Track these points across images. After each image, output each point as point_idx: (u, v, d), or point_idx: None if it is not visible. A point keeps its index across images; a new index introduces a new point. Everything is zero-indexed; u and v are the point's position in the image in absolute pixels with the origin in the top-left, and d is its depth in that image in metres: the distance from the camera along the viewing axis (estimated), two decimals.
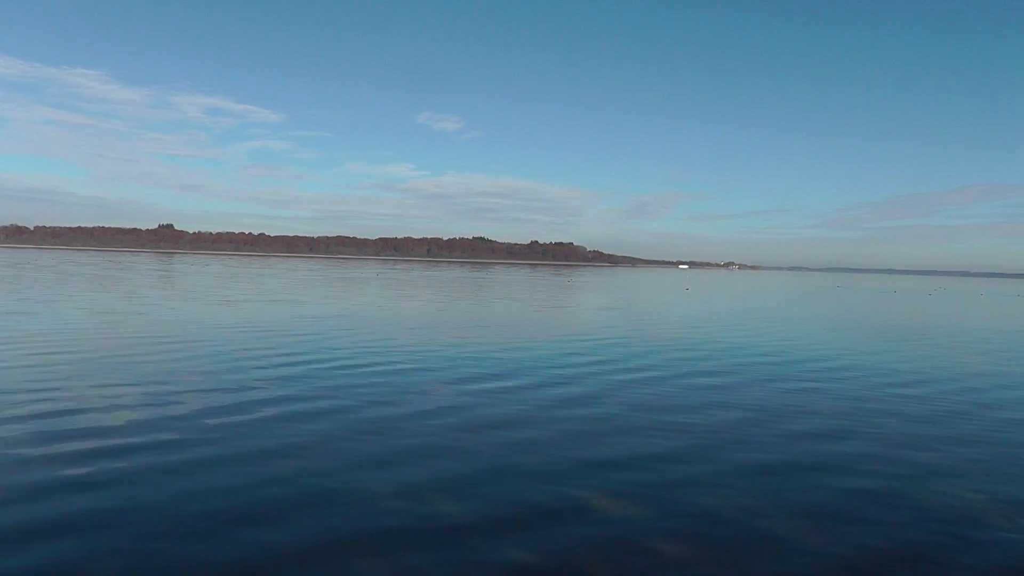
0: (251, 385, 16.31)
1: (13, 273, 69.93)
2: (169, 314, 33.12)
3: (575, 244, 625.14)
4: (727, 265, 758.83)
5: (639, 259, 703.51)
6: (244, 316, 33.30)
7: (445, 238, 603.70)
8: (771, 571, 7.55)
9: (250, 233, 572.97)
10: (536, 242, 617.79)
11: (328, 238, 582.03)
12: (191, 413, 13.42)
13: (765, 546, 8.17)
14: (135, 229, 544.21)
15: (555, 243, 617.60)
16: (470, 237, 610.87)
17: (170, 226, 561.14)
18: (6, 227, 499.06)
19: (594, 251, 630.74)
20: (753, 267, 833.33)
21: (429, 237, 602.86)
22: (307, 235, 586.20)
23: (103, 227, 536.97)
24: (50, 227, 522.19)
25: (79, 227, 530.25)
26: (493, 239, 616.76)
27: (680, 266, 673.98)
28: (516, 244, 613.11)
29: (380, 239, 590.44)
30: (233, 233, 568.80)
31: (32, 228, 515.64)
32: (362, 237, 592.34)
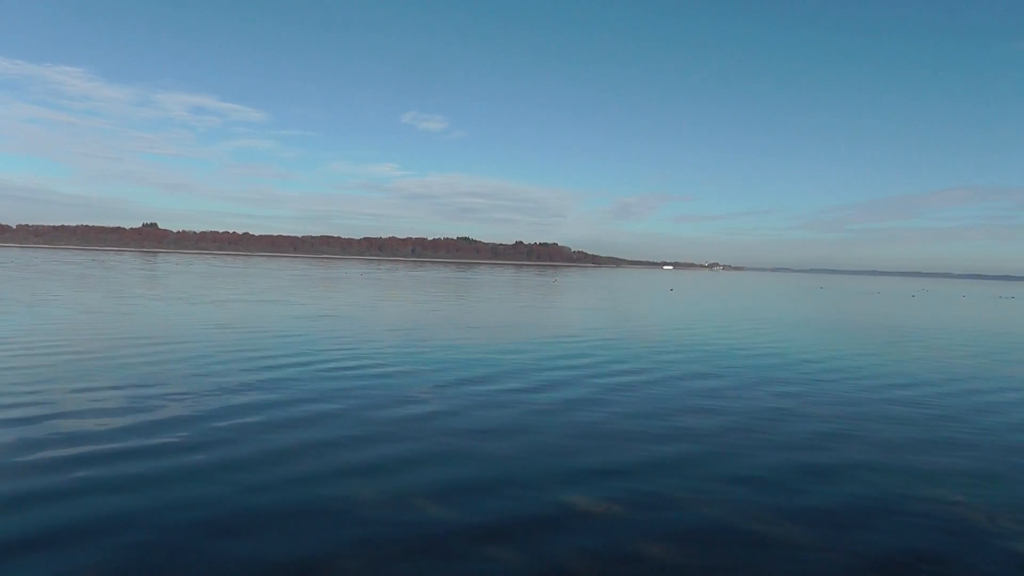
0: (236, 388, 16.11)
1: None
2: (153, 314, 32.81)
3: (560, 245, 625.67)
4: (711, 266, 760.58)
5: (623, 260, 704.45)
6: (228, 316, 33.01)
7: (430, 238, 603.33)
8: None
9: (234, 232, 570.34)
10: (521, 242, 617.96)
11: (312, 238, 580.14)
12: (174, 418, 13.20)
13: (758, 553, 8.08)
14: (119, 228, 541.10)
15: (540, 243, 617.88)
16: (455, 237, 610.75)
17: (154, 225, 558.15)
18: None
19: (579, 252, 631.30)
20: (737, 268, 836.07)
21: (414, 237, 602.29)
22: (291, 234, 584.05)
23: (86, 226, 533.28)
24: (33, 226, 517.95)
25: (62, 226, 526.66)
26: (478, 239, 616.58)
27: (665, 267, 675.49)
28: (501, 244, 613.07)
29: (365, 239, 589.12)
30: (217, 232, 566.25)
31: (15, 227, 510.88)
32: (346, 237, 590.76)
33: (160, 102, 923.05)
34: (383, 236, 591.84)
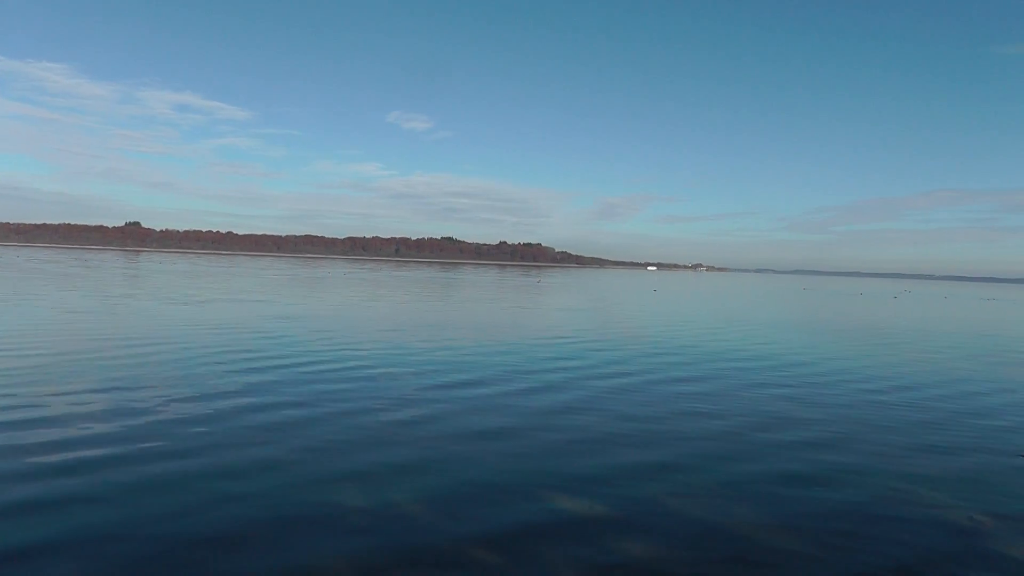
0: (219, 392, 15.82)
1: None
2: (136, 315, 32.38)
3: (543, 245, 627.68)
4: (695, 267, 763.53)
5: (607, 260, 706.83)
6: (213, 317, 32.62)
7: (414, 238, 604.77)
8: None
9: (218, 231, 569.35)
10: (504, 243, 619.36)
11: (296, 237, 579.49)
12: (157, 423, 12.89)
13: (751, 560, 7.94)
14: (101, 226, 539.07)
15: (523, 244, 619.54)
16: (439, 237, 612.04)
17: (137, 224, 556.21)
18: None
19: (562, 252, 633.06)
20: (721, 269, 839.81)
21: (397, 237, 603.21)
22: (275, 234, 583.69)
23: (68, 224, 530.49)
24: (14, 223, 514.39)
25: (44, 224, 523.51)
26: (462, 239, 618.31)
27: (649, 267, 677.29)
28: (485, 244, 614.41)
29: (348, 238, 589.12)
30: (200, 231, 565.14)
31: None
32: (330, 236, 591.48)
33: (144, 99, 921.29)
34: (367, 236, 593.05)
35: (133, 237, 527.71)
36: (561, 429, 13.78)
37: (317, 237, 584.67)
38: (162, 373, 17.77)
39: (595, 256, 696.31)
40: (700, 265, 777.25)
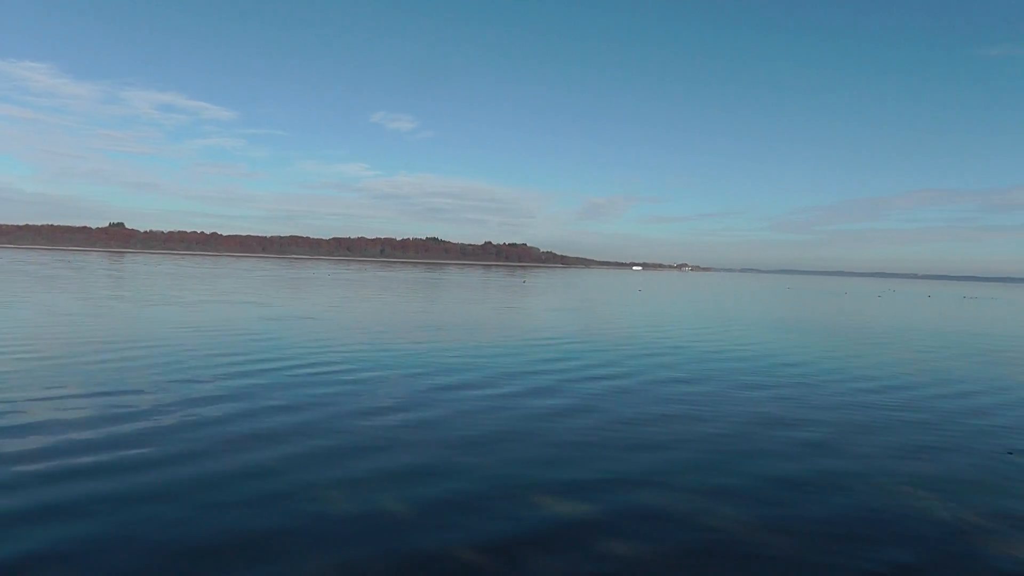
0: (205, 397, 15.61)
1: None
2: (120, 317, 32.04)
3: (528, 245, 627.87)
4: (680, 267, 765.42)
5: (592, 260, 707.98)
6: (197, 319, 32.33)
7: (398, 238, 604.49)
8: None
9: (202, 232, 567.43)
10: (490, 243, 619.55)
11: (281, 238, 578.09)
12: (142, 430, 12.69)
13: (744, 568, 7.87)
14: (85, 227, 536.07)
15: (508, 244, 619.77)
16: (423, 237, 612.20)
17: (121, 224, 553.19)
18: None
19: (547, 252, 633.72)
20: (705, 268, 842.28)
21: (382, 237, 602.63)
22: (260, 234, 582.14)
23: (52, 225, 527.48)
24: None
25: (27, 225, 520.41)
26: (446, 240, 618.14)
27: (634, 267, 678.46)
28: (470, 245, 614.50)
29: (333, 239, 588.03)
30: (185, 232, 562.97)
31: None
32: (315, 237, 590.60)
33: (127, 99, 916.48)
34: (352, 236, 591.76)
35: (117, 238, 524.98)
36: (551, 433, 13.68)
37: (302, 238, 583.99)
38: (148, 377, 17.57)
39: (580, 256, 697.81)
40: (685, 265, 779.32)
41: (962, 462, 12.68)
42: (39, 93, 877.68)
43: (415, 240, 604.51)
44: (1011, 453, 13.43)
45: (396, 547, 8.15)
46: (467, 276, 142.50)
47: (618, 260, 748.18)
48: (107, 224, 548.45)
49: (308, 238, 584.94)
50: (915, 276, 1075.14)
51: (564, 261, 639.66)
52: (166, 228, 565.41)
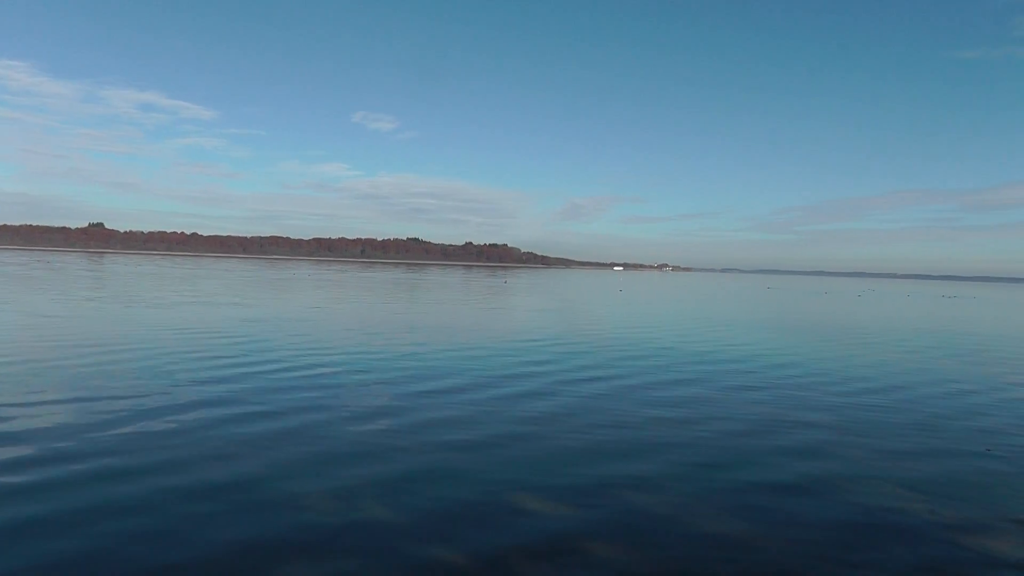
0: (186, 402, 15.34)
1: None
2: (100, 319, 31.59)
3: (509, 246, 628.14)
4: (661, 267, 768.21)
5: (573, 261, 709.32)
6: (178, 320, 31.94)
7: (379, 239, 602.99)
8: None
9: (182, 232, 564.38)
10: (471, 243, 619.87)
11: (261, 238, 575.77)
12: (122, 437, 12.41)
13: (740, 573, 7.76)
14: (64, 228, 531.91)
15: (489, 244, 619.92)
16: (404, 238, 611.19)
17: (100, 225, 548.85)
18: None
19: (528, 252, 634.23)
20: (686, 269, 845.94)
21: (363, 238, 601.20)
22: (240, 235, 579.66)
23: (30, 225, 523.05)
24: None
25: (5, 225, 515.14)
26: (427, 240, 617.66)
27: (615, 267, 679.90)
28: (450, 245, 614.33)
29: (314, 239, 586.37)
30: (165, 232, 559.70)
31: None
32: (295, 237, 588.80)
33: (107, 98, 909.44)
34: (332, 237, 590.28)
35: (97, 238, 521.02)
36: (538, 438, 13.53)
37: (283, 238, 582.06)
38: (127, 382, 17.27)
39: (561, 256, 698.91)
40: (666, 265, 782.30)
41: (958, 465, 12.63)
42: (17, 92, 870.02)
43: (396, 240, 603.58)
44: (989, 450, 13.67)
45: (384, 556, 7.99)
46: (448, 276, 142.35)
47: (599, 260, 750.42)
48: (87, 224, 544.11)
49: (289, 238, 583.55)
50: (895, 276, 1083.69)
51: (545, 261, 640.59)
52: (146, 228, 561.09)
